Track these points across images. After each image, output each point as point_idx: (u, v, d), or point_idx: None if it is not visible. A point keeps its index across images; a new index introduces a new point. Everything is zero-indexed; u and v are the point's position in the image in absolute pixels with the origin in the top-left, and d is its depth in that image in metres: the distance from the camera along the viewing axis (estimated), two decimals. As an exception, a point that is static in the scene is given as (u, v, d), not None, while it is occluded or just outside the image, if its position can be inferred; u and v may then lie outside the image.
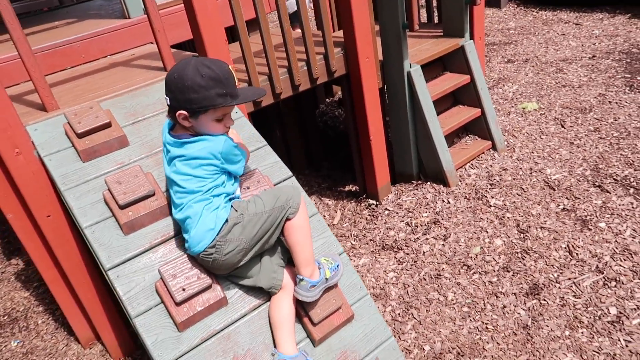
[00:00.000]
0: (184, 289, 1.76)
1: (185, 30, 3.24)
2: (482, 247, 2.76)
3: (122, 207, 1.87)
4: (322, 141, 4.63)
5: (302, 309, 1.89)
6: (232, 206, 1.76)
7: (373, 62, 3.04)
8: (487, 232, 2.86)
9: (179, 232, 1.91)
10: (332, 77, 3.03)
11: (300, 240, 1.82)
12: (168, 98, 1.66)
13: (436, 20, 3.87)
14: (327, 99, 5.44)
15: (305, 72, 2.89)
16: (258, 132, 2.27)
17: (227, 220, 1.72)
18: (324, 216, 3.52)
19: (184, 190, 1.72)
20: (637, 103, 3.85)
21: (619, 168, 3.13)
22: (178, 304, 1.75)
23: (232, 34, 3.66)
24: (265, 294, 1.88)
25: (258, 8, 2.57)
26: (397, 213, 3.23)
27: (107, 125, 2.10)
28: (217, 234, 1.70)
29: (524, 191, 3.10)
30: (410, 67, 3.11)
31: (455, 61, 3.46)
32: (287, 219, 1.81)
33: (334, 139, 4.70)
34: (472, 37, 3.50)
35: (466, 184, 3.29)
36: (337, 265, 1.99)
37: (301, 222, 1.83)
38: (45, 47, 2.94)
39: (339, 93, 5.50)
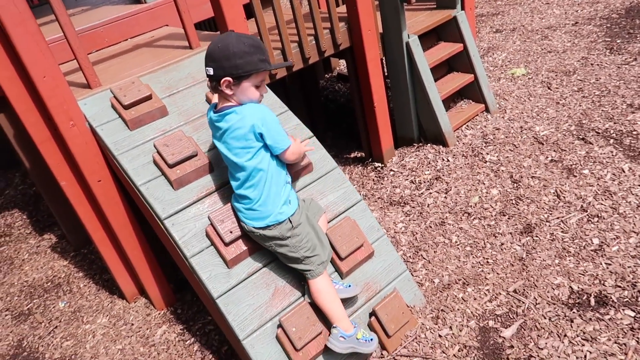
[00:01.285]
0: (231, 232, 2.06)
1: (199, 11, 3.49)
2: (480, 197, 3.08)
3: (171, 166, 2.16)
4: (325, 114, 4.91)
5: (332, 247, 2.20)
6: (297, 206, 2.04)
7: (374, 34, 3.31)
8: (484, 184, 3.18)
9: (221, 186, 2.20)
10: (338, 49, 3.30)
11: (328, 302, 2.04)
12: (211, 68, 1.84)
13: (429, -7, 4.14)
14: (326, 75, 5.71)
15: (314, 45, 3.16)
16: (279, 99, 2.56)
17: (289, 219, 1.98)
18: (334, 180, 3.82)
19: (237, 163, 1.92)
20: (617, 64, 4.16)
21: (600, 122, 3.45)
22: (227, 245, 2.06)
23: (247, 11, 3.90)
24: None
25: (270, -13, 2.83)
26: (401, 173, 3.54)
27: (149, 98, 2.37)
28: (279, 223, 1.96)
29: (516, 147, 3.42)
30: (409, 37, 3.39)
31: (448, 31, 3.74)
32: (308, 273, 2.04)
33: (336, 112, 4.98)
34: (463, 8, 3.78)
35: (463, 143, 3.60)
36: (372, 339, 2.12)
37: (322, 286, 2.03)
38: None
39: (338, 68, 5.77)
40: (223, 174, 2.23)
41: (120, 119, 2.34)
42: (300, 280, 2.15)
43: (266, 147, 1.94)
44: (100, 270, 3.38)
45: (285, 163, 2.06)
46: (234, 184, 2.01)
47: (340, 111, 4.98)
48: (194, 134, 2.35)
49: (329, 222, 2.29)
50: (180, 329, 2.78)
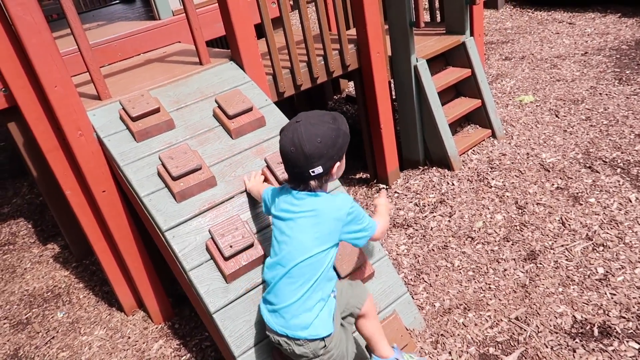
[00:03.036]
0: (231, 246, 2.06)
1: (211, 29, 3.56)
2: (484, 222, 3.06)
3: (174, 179, 2.18)
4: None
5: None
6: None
7: (383, 56, 3.35)
8: (488, 208, 3.16)
9: (223, 201, 2.21)
10: (346, 70, 3.34)
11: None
12: (319, 167, 1.65)
13: (438, 19, 4.19)
14: (335, 96, 5.76)
15: (323, 66, 3.19)
16: (287, 118, 2.58)
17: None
18: (338, 200, 3.82)
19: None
20: (625, 94, 4.16)
21: (607, 151, 3.43)
22: (226, 259, 2.05)
23: (258, 31, 3.98)
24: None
25: (282, 8, 2.88)
26: (406, 195, 3.53)
27: (157, 111, 2.40)
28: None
29: (522, 173, 3.41)
30: (417, 61, 3.42)
31: (457, 56, 3.77)
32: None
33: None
34: (472, 34, 3.81)
35: (469, 167, 3.59)
36: None
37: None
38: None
39: (346, 90, 5.82)
40: (226, 187, 2.24)
41: (128, 131, 2.37)
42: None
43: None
44: (101, 282, 3.38)
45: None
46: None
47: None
48: (199, 148, 2.37)
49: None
50: (177, 344, 2.75)
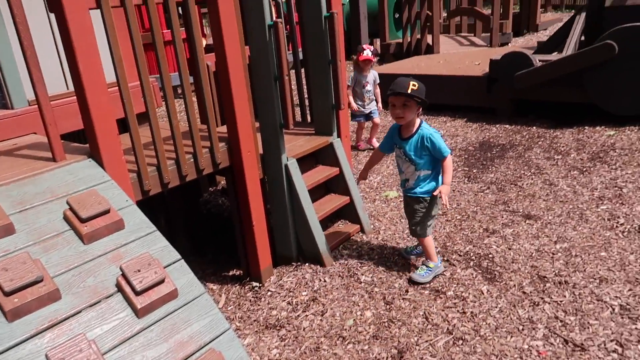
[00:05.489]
0: (72, 373, 1.79)
1: (70, 122, 3.37)
2: (354, 320, 3.08)
3: (7, 294, 1.89)
4: (207, 228, 4.79)
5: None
6: None
7: (254, 155, 3.40)
8: (358, 305, 3.20)
9: (68, 317, 1.96)
10: (217, 168, 3.32)
11: None
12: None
13: (309, 119, 4.43)
14: (210, 188, 5.68)
15: (192, 163, 3.14)
16: (148, 219, 2.44)
17: None
18: (209, 300, 3.62)
19: None
20: (474, 191, 4.66)
21: (462, 245, 3.74)
22: (66, 388, 1.77)
23: (123, 125, 3.82)
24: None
25: (148, 102, 2.83)
26: (279, 293, 3.47)
27: (-7, 214, 2.13)
28: None
29: (389, 268, 3.55)
30: (287, 160, 3.53)
31: (326, 156, 3.97)
32: None
33: (219, 226, 4.89)
34: (339, 136, 4.07)
35: (340, 263, 3.67)
36: None
37: None
38: None
39: (222, 182, 5.78)
40: (73, 301, 1.99)
41: (-47, 238, 2.05)
42: None
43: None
44: None
45: None
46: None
47: (223, 225, 4.90)
48: (44, 255, 2.11)
49: (192, 355, 2.10)
50: None
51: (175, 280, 2.21)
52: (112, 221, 2.30)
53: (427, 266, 3.36)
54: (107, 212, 2.31)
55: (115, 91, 2.67)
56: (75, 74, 2.46)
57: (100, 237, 2.26)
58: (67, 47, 2.43)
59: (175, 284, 2.20)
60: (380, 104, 6.19)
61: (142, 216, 2.44)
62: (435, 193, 3.17)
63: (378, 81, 6.10)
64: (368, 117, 6.15)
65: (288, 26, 4.44)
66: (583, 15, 6.98)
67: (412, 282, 3.33)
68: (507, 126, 6.46)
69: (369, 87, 5.98)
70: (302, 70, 4.24)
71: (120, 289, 2.08)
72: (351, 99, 5.95)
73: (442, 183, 3.20)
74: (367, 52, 5.82)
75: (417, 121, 3.21)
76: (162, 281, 2.14)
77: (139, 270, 2.12)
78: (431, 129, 3.21)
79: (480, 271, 3.40)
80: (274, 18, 3.29)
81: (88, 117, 2.51)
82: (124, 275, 2.11)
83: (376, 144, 6.17)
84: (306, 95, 4.23)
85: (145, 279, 2.10)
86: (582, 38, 6.93)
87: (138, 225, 2.37)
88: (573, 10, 16.59)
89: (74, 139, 3.45)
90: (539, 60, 6.28)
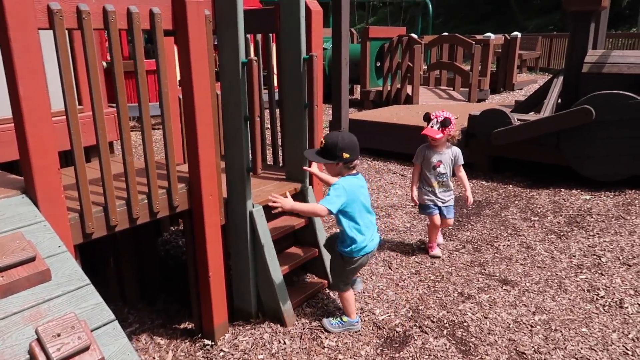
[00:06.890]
0: None
1: (8, 151, 3.03)
2: (314, 392, 2.74)
3: None
4: (162, 272, 4.41)
5: None
6: None
7: (217, 199, 3.11)
8: (319, 375, 2.87)
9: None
10: (174, 211, 3.01)
11: None
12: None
13: (281, 163, 4.18)
14: (172, 227, 5.31)
15: (146, 205, 2.83)
16: (81, 270, 2.10)
17: None
18: (154, 358, 3.23)
19: None
20: (449, 249, 4.44)
21: (435, 310, 3.47)
22: None
23: (66, 159, 3.50)
24: None
25: (100, 137, 2.53)
26: (232, 355, 3.10)
27: None
28: None
29: (355, 332, 3.24)
30: (253, 207, 3.25)
31: (296, 203, 3.70)
32: None
33: (175, 270, 4.51)
34: (311, 184, 3.82)
35: (302, 323, 3.34)
36: None
37: None
38: None
39: (185, 222, 5.42)
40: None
41: None
42: None
43: None
44: None
45: None
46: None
47: (180, 269, 4.52)
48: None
49: None
50: None
51: (104, 347, 1.86)
52: (37, 271, 1.96)
53: (341, 319, 3.28)
54: (31, 259, 1.97)
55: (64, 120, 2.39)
56: (15, 99, 2.17)
57: (18, 290, 1.91)
58: (7, 68, 2.15)
59: (103, 353, 1.85)
60: (469, 192, 4.29)
61: (74, 266, 2.10)
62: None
63: (462, 162, 4.19)
64: (441, 210, 4.25)
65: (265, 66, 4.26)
66: (560, 78, 7.06)
67: (321, 325, 3.30)
68: (483, 182, 6.35)
69: (441, 169, 4.13)
70: (277, 111, 4.03)
71: (32, 357, 1.73)
72: (414, 187, 4.28)
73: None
74: (433, 125, 3.98)
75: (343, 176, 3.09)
76: (86, 349, 1.79)
77: (58, 335, 1.77)
78: (342, 180, 3.05)
79: (454, 342, 3.12)
80: (251, 56, 3.09)
81: (24, 147, 2.20)
82: (39, 340, 1.76)
83: (438, 251, 4.38)
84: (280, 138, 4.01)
85: (64, 345, 1.75)
86: (559, 101, 6.98)
87: (68, 277, 2.03)
88: (547, 73, 17.16)
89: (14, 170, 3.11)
90: (517, 119, 6.26)
